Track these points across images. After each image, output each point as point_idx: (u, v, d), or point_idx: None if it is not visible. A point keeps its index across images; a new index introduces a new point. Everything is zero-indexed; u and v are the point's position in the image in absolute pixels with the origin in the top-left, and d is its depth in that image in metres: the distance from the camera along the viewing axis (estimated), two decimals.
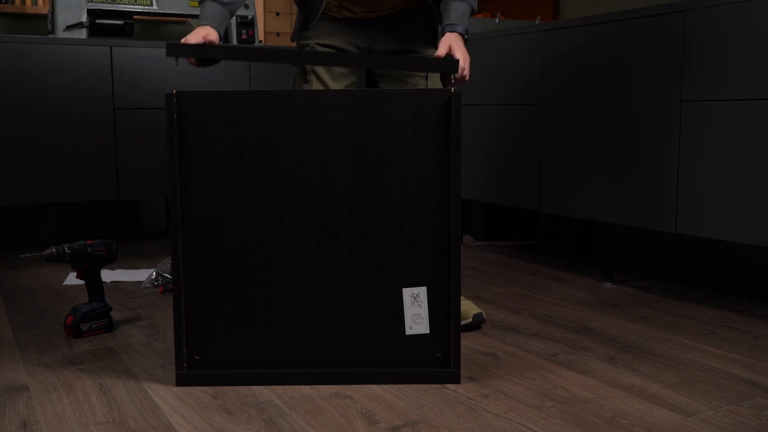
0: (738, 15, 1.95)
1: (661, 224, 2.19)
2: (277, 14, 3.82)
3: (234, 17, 3.25)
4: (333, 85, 1.90)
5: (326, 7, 1.90)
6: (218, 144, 1.53)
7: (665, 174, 2.16)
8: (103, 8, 3.02)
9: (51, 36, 2.93)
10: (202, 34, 1.70)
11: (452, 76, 1.68)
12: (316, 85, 1.89)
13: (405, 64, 1.60)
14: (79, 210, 3.40)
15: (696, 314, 2.11)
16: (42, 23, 3.32)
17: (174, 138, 1.51)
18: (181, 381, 1.56)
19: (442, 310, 1.57)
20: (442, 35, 1.78)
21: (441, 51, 1.73)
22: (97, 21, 3.00)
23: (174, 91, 1.51)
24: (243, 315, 1.56)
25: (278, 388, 1.54)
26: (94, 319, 1.91)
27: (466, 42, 1.78)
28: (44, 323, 2.03)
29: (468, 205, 3.29)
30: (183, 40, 1.68)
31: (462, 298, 1.98)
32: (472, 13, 1.86)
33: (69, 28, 2.96)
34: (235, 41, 3.33)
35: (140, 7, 3.11)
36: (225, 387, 1.55)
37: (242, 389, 1.54)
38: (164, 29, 3.60)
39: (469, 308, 1.93)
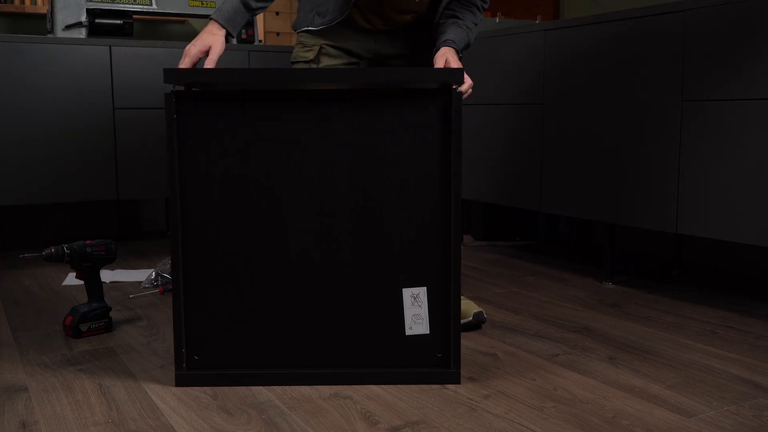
0: (738, 14, 1.95)
1: (662, 224, 2.18)
2: (277, 14, 3.82)
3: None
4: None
5: (350, 13, 1.88)
6: (218, 144, 1.52)
7: (666, 174, 2.16)
8: (103, 8, 3.02)
9: (50, 35, 2.92)
10: (205, 44, 1.67)
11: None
12: None
13: (409, 74, 1.57)
14: (78, 210, 3.39)
15: (696, 314, 2.10)
16: (41, 23, 3.32)
17: (173, 138, 1.50)
18: (181, 381, 1.55)
19: (442, 310, 1.56)
20: (437, 50, 1.77)
21: (438, 64, 1.73)
22: (97, 20, 3.00)
23: (173, 90, 1.50)
24: (243, 315, 1.56)
25: (278, 389, 1.54)
26: (94, 320, 1.91)
27: (461, 60, 1.78)
28: (43, 323, 2.02)
29: (468, 205, 3.29)
30: (187, 48, 1.67)
31: (462, 297, 1.98)
32: (468, 45, 1.88)
33: (68, 27, 2.96)
34: (234, 41, 3.33)
35: (139, 6, 3.10)
36: (224, 387, 1.55)
37: (242, 389, 1.54)
38: (163, 29, 3.60)
39: (469, 307, 1.93)
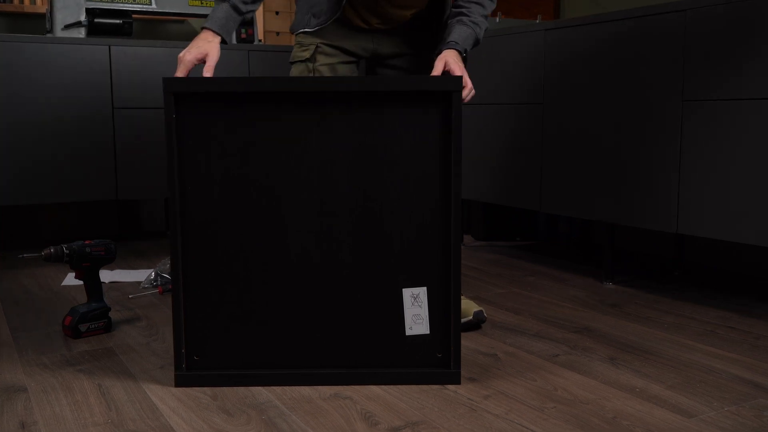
0: (738, 14, 1.95)
1: (662, 224, 2.18)
2: (277, 13, 3.82)
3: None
4: None
5: (345, 13, 1.88)
6: (218, 144, 1.52)
7: (666, 174, 2.16)
8: (102, 7, 3.01)
9: (49, 35, 2.92)
10: (201, 52, 1.66)
11: None
12: None
13: (407, 83, 1.56)
14: (78, 210, 3.39)
15: (697, 314, 2.10)
16: (40, 22, 3.32)
17: (173, 137, 1.50)
18: (181, 382, 1.55)
19: (442, 310, 1.56)
20: (439, 53, 1.75)
21: (437, 68, 1.69)
22: (96, 20, 2.99)
23: (173, 90, 1.50)
24: (242, 315, 1.55)
25: (278, 389, 1.54)
26: (93, 320, 1.90)
27: (465, 62, 1.75)
28: (43, 324, 2.02)
29: (468, 205, 3.29)
30: (180, 55, 1.66)
31: (462, 297, 1.98)
32: (477, 42, 1.82)
33: (67, 27, 2.95)
34: (234, 40, 3.33)
35: (139, 6, 3.10)
36: (224, 388, 1.55)
37: (242, 390, 1.54)
38: (163, 28, 3.59)
39: (469, 306, 1.92)
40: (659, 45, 2.15)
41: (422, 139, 1.52)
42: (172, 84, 1.48)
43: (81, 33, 2.97)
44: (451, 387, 1.55)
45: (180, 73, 1.65)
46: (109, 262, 1.93)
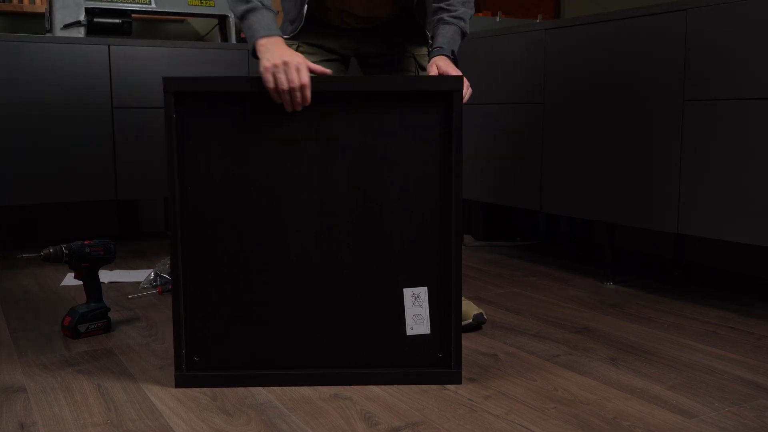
0: (740, 13, 1.95)
1: (663, 224, 2.18)
2: (277, 13, 3.81)
3: (233, 16, 3.24)
4: None
5: (321, 16, 1.89)
6: (218, 143, 1.51)
7: (667, 174, 2.15)
8: (101, 7, 3.01)
9: (49, 35, 2.92)
10: (296, 58, 1.50)
11: None
12: None
13: (408, 84, 1.55)
14: (77, 210, 3.38)
15: (697, 315, 2.10)
16: (40, 22, 3.31)
17: (173, 137, 1.50)
18: (181, 382, 1.55)
19: (442, 310, 1.56)
20: (429, 60, 1.75)
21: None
22: (95, 19, 2.99)
23: (173, 89, 1.49)
24: (242, 316, 1.55)
25: (278, 389, 1.53)
26: (92, 320, 1.90)
27: (457, 64, 1.74)
28: (42, 324, 2.02)
29: (468, 205, 3.29)
30: (288, 60, 1.48)
31: (462, 298, 1.97)
32: (463, 35, 1.80)
33: (67, 26, 2.95)
34: (234, 40, 3.33)
35: (138, 5, 3.10)
36: (224, 388, 1.54)
37: (241, 390, 1.53)
38: (162, 28, 3.59)
39: (469, 308, 1.92)
40: (659, 45, 2.15)
41: (422, 139, 1.52)
42: (172, 84, 1.48)
43: (80, 32, 2.97)
44: (451, 387, 1.54)
45: (310, 70, 1.52)
46: (109, 263, 1.93)
